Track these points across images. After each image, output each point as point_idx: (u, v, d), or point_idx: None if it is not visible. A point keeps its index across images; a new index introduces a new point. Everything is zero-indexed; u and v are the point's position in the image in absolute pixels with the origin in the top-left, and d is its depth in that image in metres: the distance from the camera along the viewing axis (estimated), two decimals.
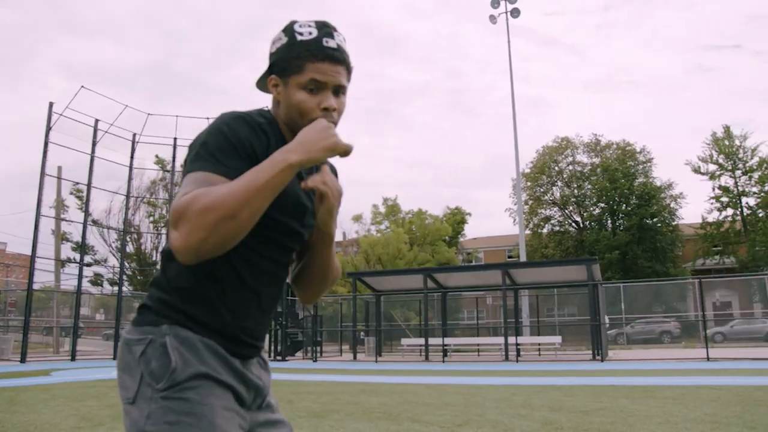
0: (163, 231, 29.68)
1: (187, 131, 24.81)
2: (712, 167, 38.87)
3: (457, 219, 48.46)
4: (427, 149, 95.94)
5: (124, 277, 26.01)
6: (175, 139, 24.12)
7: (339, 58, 1.39)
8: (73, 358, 20.51)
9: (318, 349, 23.01)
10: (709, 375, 11.95)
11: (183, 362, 1.26)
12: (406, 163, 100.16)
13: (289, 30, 1.42)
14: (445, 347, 21.94)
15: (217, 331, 1.33)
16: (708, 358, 16.42)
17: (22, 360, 18.82)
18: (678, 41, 78.29)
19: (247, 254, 1.35)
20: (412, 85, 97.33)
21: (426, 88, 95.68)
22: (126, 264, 26.96)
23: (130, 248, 29.48)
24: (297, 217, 1.43)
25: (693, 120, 76.27)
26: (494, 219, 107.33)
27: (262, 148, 1.33)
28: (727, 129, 38.73)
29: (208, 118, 25.03)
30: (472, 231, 74.46)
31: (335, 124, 1.40)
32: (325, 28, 1.40)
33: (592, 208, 43.32)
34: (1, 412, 7.29)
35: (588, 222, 43.08)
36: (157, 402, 1.22)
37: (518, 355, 19.95)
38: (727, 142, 38.39)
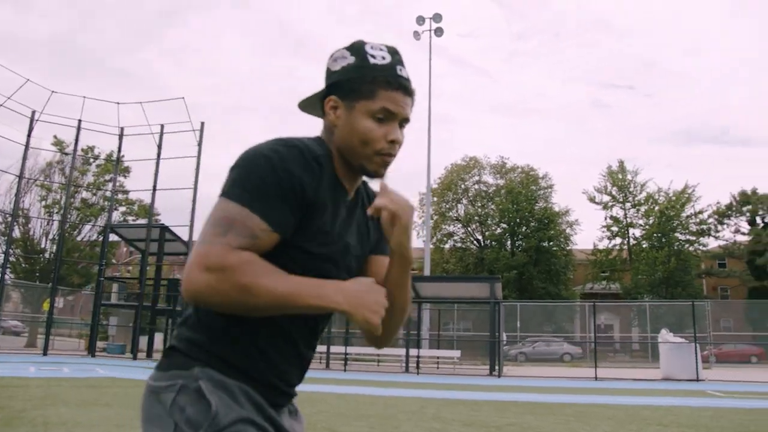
0: (57, 218, 27.78)
1: (92, 114, 23.42)
2: (606, 198, 41.54)
3: None
4: None
5: (7, 264, 24.02)
6: (80, 121, 22.69)
7: (410, 89, 1.33)
8: None
9: None
10: (600, 394, 12.68)
11: (224, 406, 1.17)
12: None
13: (357, 50, 1.33)
14: (347, 356, 21.96)
15: (252, 377, 1.24)
16: (596, 378, 17.43)
17: None
18: (580, 76, 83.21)
19: None
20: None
21: None
22: (10, 250, 24.94)
23: (16, 233, 27.32)
24: (337, 255, 1.32)
25: (589, 152, 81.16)
26: None
27: (312, 185, 1.22)
28: (621, 163, 41.55)
29: (118, 103, 23.79)
30: None
31: (394, 156, 1.33)
32: (397, 55, 1.34)
33: (494, 228, 44.95)
34: None
35: (489, 241, 44.64)
36: None
37: (418, 367, 20.28)
38: (620, 176, 41.14)
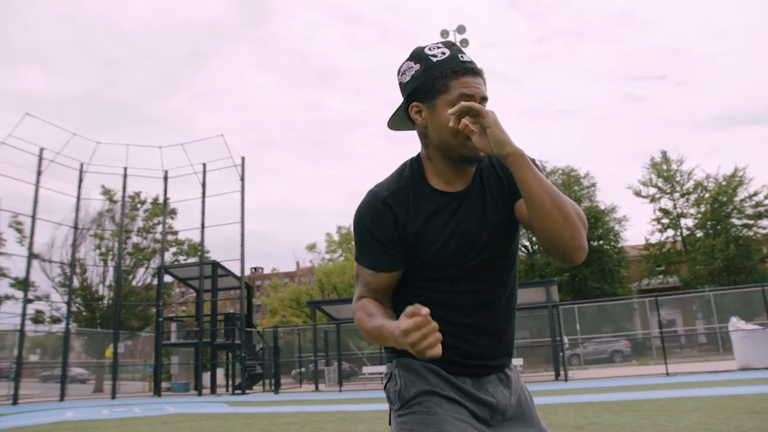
0: (112, 264, 28.56)
1: (134, 161, 24.05)
2: (652, 190, 40.47)
3: None
4: (368, 178, 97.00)
5: (70, 314, 24.71)
6: (126, 168, 23.39)
7: (477, 70, 1.42)
8: (14, 402, 19.27)
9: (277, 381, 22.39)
10: (676, 388, 12.21)
11: (407, 384, 1.44)
12: (347, 193, 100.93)
13: (419, 56, 1.44)
14: None
15: (433, 361, 1.42)
16: (667, 373, 16.83)
17: None
18: (608, 72, 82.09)
19: (435, 294, 1.46)
20: (351, 116, 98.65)
21: (365, 118, 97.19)
22: (71, 300, 25.67)
23: (75, 283, 28.16)
24: (462, 247, 1.44)
25: (628, 146, 79.67)
26: None
27: (385, 230, 1.43)
28: (664, 154, 40.51)
29: (160, 147, 24.47)
30: None
31: None
32: (455, 46, 1.45)
33: None
34: None
35: (537, 246, 43.97)
36: (395, 421, 1.44)
37: None
38: (664, 167, 40.10)
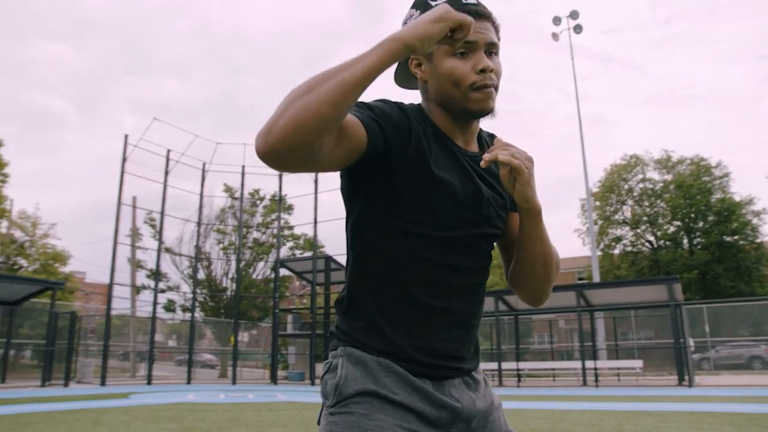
0: (233, 258, 30.27)
1: (253, 159, 25.24)
2: None
3: None
4: None
5: (196, 304, 26.45)
6: (243, 166, 24.62)
7: (484, 12, 1.25)
8: (149, 382, 20.95)
9: None
10: None
11: (350, 379, 1.22)
12: None
13: (420, 2, 1.29)
14: (520, 372, 21.29)
15: (389, 353, 1.24)
16: None
17: (102, 383, 19.39)
18: (745, 52, 75.00)
19: (414, 263, 1.24)
20: None
21: None
22: (197, 290, 27.50)
23: (201, 275, 30.11)
24: (468, 207, 1.27)
25: (766, 133, 72.49)
26: (560, 241, 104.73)
27: (398, 121, 1.20)
28: None
29: None
30: None
31: (496, 87, 1.24)
32: None
33: (666, 227, 41.46)
34: None
35: (662, 241, 41.25)
36: (326, 418, 1.23)
37: (596, 379, 19.03)
38: None
